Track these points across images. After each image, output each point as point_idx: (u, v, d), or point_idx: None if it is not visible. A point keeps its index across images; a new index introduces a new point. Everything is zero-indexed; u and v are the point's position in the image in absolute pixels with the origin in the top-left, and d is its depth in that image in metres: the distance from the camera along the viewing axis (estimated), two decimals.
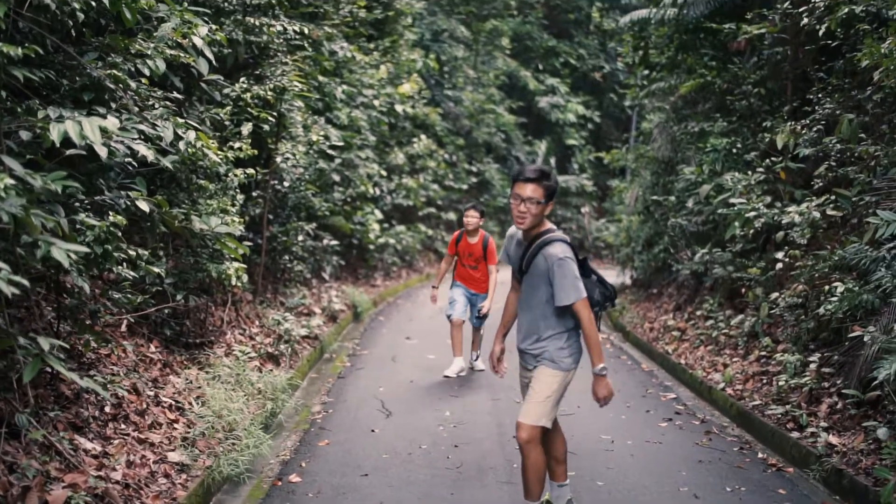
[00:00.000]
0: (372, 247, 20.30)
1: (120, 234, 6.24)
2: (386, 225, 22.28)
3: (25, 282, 4.17)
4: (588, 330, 5.53)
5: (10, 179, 4.44)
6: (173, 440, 6.78)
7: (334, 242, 16.19)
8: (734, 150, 13.05)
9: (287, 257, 13.36)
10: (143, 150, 6.06)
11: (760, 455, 7.95)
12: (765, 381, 9.71)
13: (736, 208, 11.07)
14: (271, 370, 9.64)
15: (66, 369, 4.96)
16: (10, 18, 5.42)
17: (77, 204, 6.37)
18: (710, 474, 7.28)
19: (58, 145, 4.94)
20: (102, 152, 5.27)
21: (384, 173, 20.76)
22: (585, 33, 43.50)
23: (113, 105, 6.63)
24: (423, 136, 25.34)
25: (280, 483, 6.76)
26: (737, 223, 11.08)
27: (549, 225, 5.69)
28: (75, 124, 4.90)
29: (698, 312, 13.61)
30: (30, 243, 5.04)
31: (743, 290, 12.03)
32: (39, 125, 5.11)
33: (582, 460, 7.53)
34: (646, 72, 19.27)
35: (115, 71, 6.40)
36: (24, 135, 5.20)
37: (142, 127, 6.22)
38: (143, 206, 6.72)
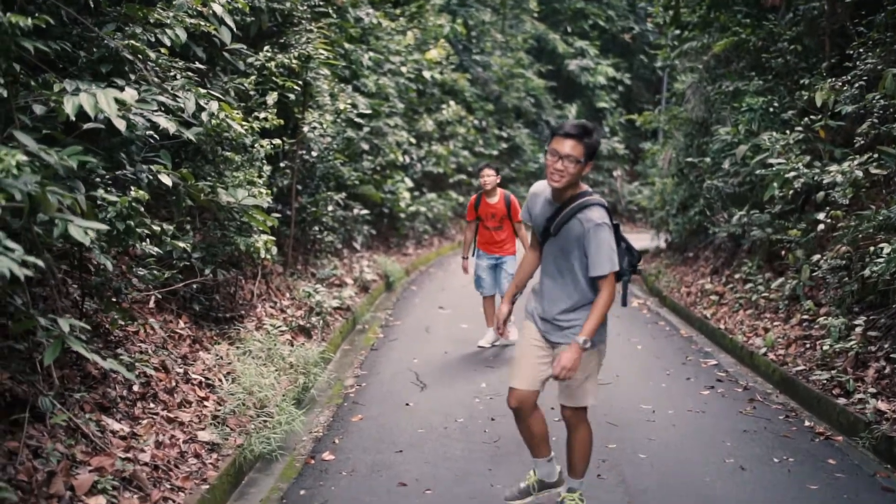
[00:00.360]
0: (403, 215, 20.11)
1: (143, 209, 6.06)
2: (416, 193, 22.08)
3: (40, 262, 4.00)
4: (604, 304, 5.13)
5: (22, 156, 4.25)
6: (203, 419, 6.63)
7: (364, 212, 16.01)
8: (771, 110, 12.71)
9: (317, 228, 13.20)
10: (164, 122, 5.87)
11: (807, 423, 7.72)
12: (808, 345, 9.47)
13: (774, 169, 10.77)
14: (303, 343, 9.50)
15: (89, 350, 4.82)
16: None
17: (98, 179, 6.20)
18: (755, 444, 7.06)
19: (72, 119, 4.76)
20: (120, 125, 5.09)
21: (413, 141, 20.53)
22: None
23: (132, 77, 6.44)
24: (451, 103, 25.06)
25: (313, 461, 6.60)
26: (775, 184, 10.79)
27: (585, 187, 5.24)
28: (90, 97, 4.72)
29: (736, 276, 13.34)
30: (46, 221, 4.88)
31: (783, 252, 11.76)
32: (53, 99, 4.92)
33: (623, 431, 7.33)
34: (677, 31, 18.89)
35: (133, 41, 6.20)
36: (38, 109, 5.02)
37: (162, 98, 6.03)
38: (166, 180, 6.55)
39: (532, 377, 5.41)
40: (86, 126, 5.47)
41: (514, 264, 10.66)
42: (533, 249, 5.62)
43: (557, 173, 5.02)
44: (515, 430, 7.36)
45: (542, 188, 5.35)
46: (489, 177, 10.65)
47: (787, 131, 11.49)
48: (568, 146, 4.98)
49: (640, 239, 24.98)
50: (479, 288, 11.00)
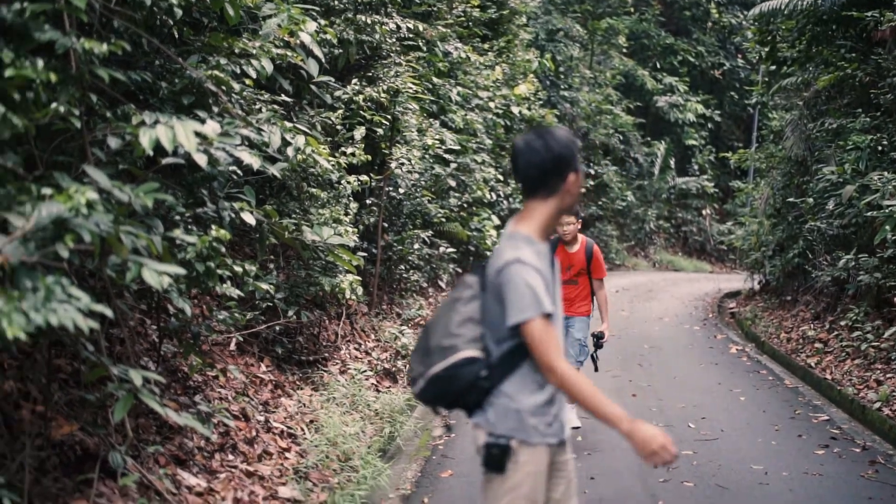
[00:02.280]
0: (489, 253, 19.67)
1: (224, 248, 5.71)
2: (503, 231, 21.65)
3: (108, 311, 3.64)
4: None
5: (93, 193, 3.91)
6: (284, 472, 6.24)
7: (450, 250, 15.63)
8: (879, 148, 12.07)
9: (403, 266, 12.85)
10: (247, 157, 5.51)
11: None
12: None
13: (886, 210, 10.13)
14: (389, 388, 9.10)
15: (162, 405, 4.44)
16: (99, 14, 4.92)
17: (178, 218, 5.87)
18: None
19: (149, 153, 4.42)
20: (201, 160, 4.74)
21: (501, 177, 20.15)
22: (703, 30, 42.20)
23: (215, 109, 6.12)
24: None
25: None
26: (887, 226, 10.13)
27: None
28: (168, 129, 4.37)
29: (842, 322, 12.65)
30: (119, 264, 4.54)
31: (894, 299, 11.07)
32: (129, 132, 4.59)
33: (735, 498, 6.76)
34: (773, 67, 18.29)
35: (216, 72, 5.88)
36: (114, 142, 4.69)
37: (246, 132, 5.67)
38: (249, 218, 6.19)
39: None
40: (165, 161, 5.14)
41: (585, 329, 8.73)
42: (563, 356, 3.70)
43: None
44: (618, 491, 6.88)
45: (532, 252, 3.71)
46: (570, 225, 8.53)
47: None
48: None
49: (732, 281, 24.26)
50: None
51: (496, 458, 3.67)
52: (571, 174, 3.72)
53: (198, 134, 4.62)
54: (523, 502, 3.69)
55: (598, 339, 8.56)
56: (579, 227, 8.68)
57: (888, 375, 9.94)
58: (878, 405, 9.19)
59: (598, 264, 8.71)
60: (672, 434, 8.44)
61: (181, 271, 4.35)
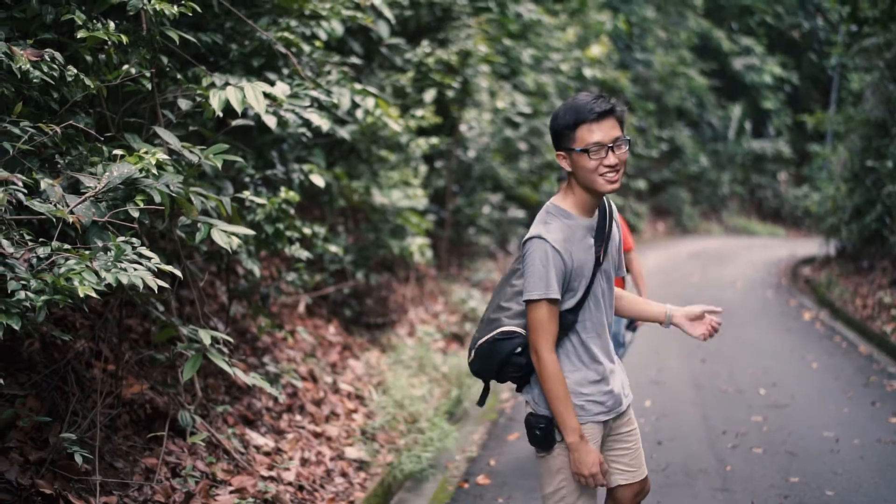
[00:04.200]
0: None
1: (293, 210, 5.73)
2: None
3: (177, 272, 3.67)
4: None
5: (163, 154, 3.94)
6: (351, 433, 6.28)
7: (520, 214, 15.57)
8: None
9: (472, 230, 12.82)
10: (317, 119, 5.52)
11: None
12: None
13: None
14: (456, 351, 9.10)
15: (231, 364, 4.49)
16: None
17: (247, 179, 5.91)
18: None
19: (219, 115, 4.44)
20: (270, 121, 4.76)
21: None
22: None
23: (285, 71, 6.13)
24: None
25: (467, 485, 6.15)
26: None
27: None
28: (237, 91, 4.39)
29: None
30: (189, 224, 4.58)
31: None
32: (199, 93, 4.61)
33: (804, 463, 6.65)
34: (854, 27, 17.84)
35: (286, 34, 5.87)
36: (184, 104, 4.72)
37: (315, 94, 5.67)
38: (318, 180, 6.21)
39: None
40: (234, 123, 5.17)
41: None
42: (553, 351, 3.55)
43: (612, 171, 3.52)
44: (685, 457, 6.82)
45: (564, 229, 3.58)
46: None
47: None
48: (608, 129, 3.51)
49: (808, 246, 23.88)
50: None
51: (538, 438, 3.64)
52: (571, 153, 3.52)
53: (267, 95, 4.63)
54: (572, 484, 3.63)
55: (631, 323, 7.18)
56: None
57: None
58: None
59: (626, 235, 6.65)
60: (742, 400, 8.34)
61: (250, 232, 4.38)
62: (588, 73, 21.00)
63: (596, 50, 22.14)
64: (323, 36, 6.43)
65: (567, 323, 3.60)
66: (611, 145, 3.46)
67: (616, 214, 3.80)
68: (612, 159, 3.46)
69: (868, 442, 7.22)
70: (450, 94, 10.05)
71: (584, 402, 3.61)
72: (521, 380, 3.70)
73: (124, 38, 4.15)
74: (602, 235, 3.66)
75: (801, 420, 7.83)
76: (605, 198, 3.68)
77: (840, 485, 6.23)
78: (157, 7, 4.21)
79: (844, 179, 18.57)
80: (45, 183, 3.52)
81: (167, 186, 3.92)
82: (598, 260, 3.63)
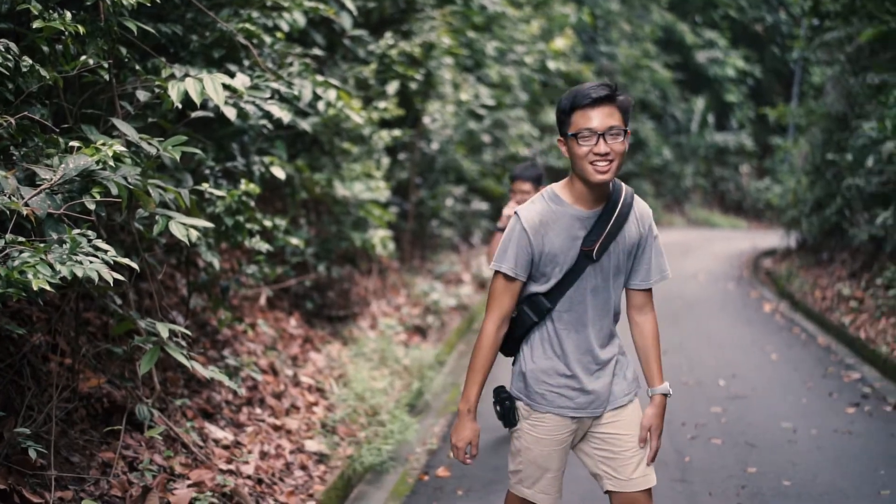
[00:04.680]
0: None
1: (254, 203, 5.71)
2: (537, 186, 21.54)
3: (134, 264, 3.65)
4: (657, 326, 3.84)
5: (120, 146, 3.91)
6: (312, 426, 6.26)
7: (484, 206, 15.58)
8: None
9: (435, 222, 12.82)
10: (277, 111, 5.49)
11: None
12: None
13: None
14: (418, 344, 9.10)
15: (189, 358, 4.46)
16: None
17: (208, 172, 5.87)
18: None
19: (178, 106, 4.41)
20: (230, 113, 4.74)
21: (536, 133, 20.03)
22: None
23: (246, 63, 6.09)
24: None
25: (427, 477, 6.15)
26: None
27: None
28: (196, 82, 4.36)
29: (878, 281, 12.47)
30: (147, 217, 4.55)
31: None
32: (158, 85, 4.58)
33: (762, 453, 6.71)
34: (816, 21, 17.98)
35: (247, 25, 5.83)
36: (142, 95, 4.68)
37: (276, 86, 5.64)
38: (279, 173, 6.19)
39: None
40: (194, 114, 5.13)
41: None
42: (500, 325, 3.63)
43: (603, 160, 3.41)
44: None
45: (545, 212, 3.57)
46: (522, 194, 6.77)
47: None
48: (603, 116, 3.41)
49: (769, 238, 24.06)
50: None
51: (500, 414, 3.76)
52: (567, 139, 3.49)
53: (227, 87, 4.60)
54: (531, 467, 3.74)
55: None
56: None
57: None
58: None
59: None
60: (702, 391, 8.40)
61: (209, 225, 4.36)
62: (552, 65, 21.05)
63: (560, 42, 22.18)
64: (285, 27, 6.40)
65: (541, 308, 3.62)
66: (602, 133, 3.38)
67: (639, 215, 3.68)
68: (602, 147, 3.38)
69: (825, 432, 7.31)
70: (413, 86, 10.03)
71: (546, 391, 3.64)
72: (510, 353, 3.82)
73: (81, 29, 4.11)
74: (600, 230, 3.54)
75: (760, 411, 7.90)
76: (624, 195, 3.62)
77: (797, 475, 6.31)
78: None
79: (805, 172, 18.73)
80: None
81: (124, 178, 3.89)
82: (591, 255, 3.54)
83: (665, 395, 3.76)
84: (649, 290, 3.77)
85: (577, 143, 3.41)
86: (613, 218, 3.55)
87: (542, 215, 3.54)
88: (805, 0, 17.68)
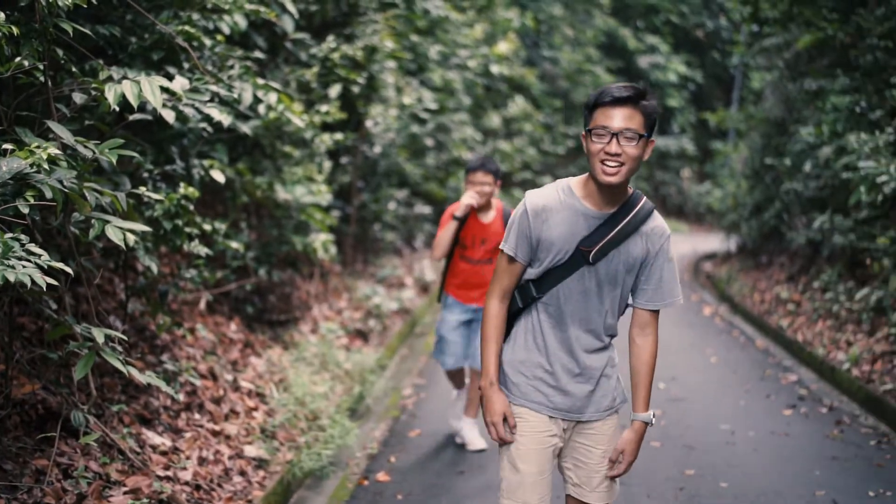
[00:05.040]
0: None
1: (193, 206, 5.66)
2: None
3: (68, 269, 3.60)
4: (655, 352, 3.72)
5: (55, 149, 3.86)
6: (251, 431, 6.22)
7: (427, 210, 15.59)
8: (857, 109, 12.02)
9: (377, 226, 12.80)
10: (217, 114, 5.45)
11: None
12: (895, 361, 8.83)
13: (862, 172, 10.11)
14: (360, 348, 9.08)
15: (125, 363, 4.41)
16: None
17: (146, 175, 5.81)
18: (847, 475, 6.46)
19: (116, 109, 4.36)
20: (168, 116, 4.69)
21: (479, 137, 20.07)
22: None
23: (186, 66, 6.04)
24: (519, 99, 24.56)
25: (367, 482, 6.14)
26: (862, 188, 10.12)
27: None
28: (134, 85, 4.31)
29: (815, 284, 12.68)
30: (82, 221, 4.49)
31: (867, 260, 11.10)
32: (95, 87, 4.52)
33: (701, 456, 6.79)
34: (755, 27, 18.20)
35: (187, 27, 5.78)
36: (79, 98, 4.62)
37: (216, 88, 5.60)
38: (218, 176, 6.13)
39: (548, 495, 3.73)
40: (132, 117, 5.08)
41: None
42: (502, 300, 3.67)
43: (613, 161, 3.37)
44: None
45: (552, 199, 3.57)
46: (485, 184, 6.53)
47: (877, 132, 10.81)
48: (622, 117, 3.37)
49: (709, 241, 24.32)
50: (439, 355, 6.84)
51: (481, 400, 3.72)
52: (586, 133, 3.45)
53: (165, 90, 4.57)
54: (509, 471, 3.66)
55: None
56: (497, 188, 6.63)
57: (858, 336, 9.98)
58: (847, 366, 9.21)
59: None
60: None
61: (146, 229, 4.32)
62: (495, 69, 21.12)
63: (503, 47, 22.26)
64: (226, 30, 6.36)
65: (528, 295, 3.63)
66: (617, 132, 3.33)
67: (651, 232, 3.57)
68: (613, 147, 3.33)
69: (762, 434, 7.42)
70: (355, 89, 10.00)
71: (522, 381, 3.64)
72: None
73: (16, 30, 4.05)
74: (603, 233, 3.49)
75: (699, 413, 8.00)
76: (640, 207, 3.55)
77: (734, 476, 6.39)
78: None
79: (745, 176, 18.99)
80: None
81: (60, 182, 3.84)
82: (588, 257, 3.49)
83: (646, 424, 3.66)
84: (655, 313, 3.68)
85: (592, 139, 3.40)
86: (621, 225, 3.50)
87: (548, 201, 3.54)
88: (744, 6, 17.87)
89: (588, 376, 3.64)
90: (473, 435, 6.84)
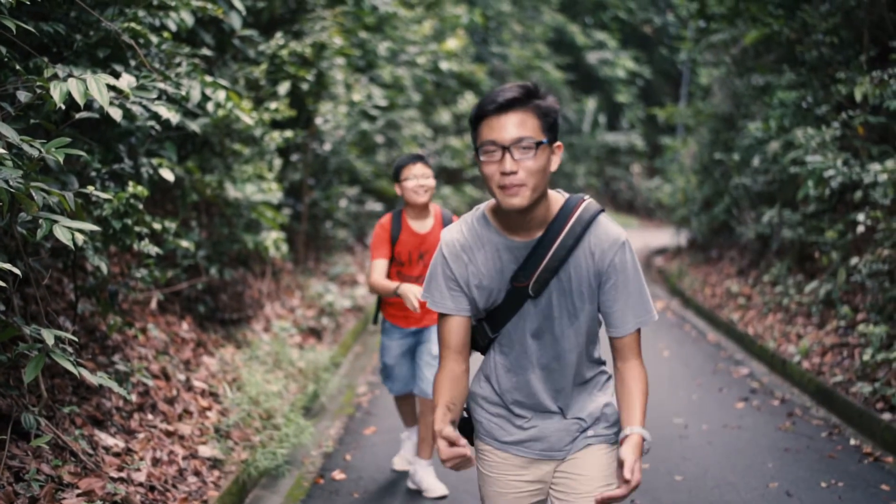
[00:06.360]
0: None
1: (142, 205, 5.60)
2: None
3: (16, 269, 3.55)
4: (646, 380, 3.11)
5: (1, 148, 3.81)
6: (205, 431, 6.17)
7: (378, 207, 15.55)
8: (804, 105, 12.17)
9: (329, 224, 12.75)
10: (165, 111, 5.41)
11: (853, 441, 7.16)
12: (845, 354, 8.94)
13: (809, 166, 10.23)
14: (313, 346, 9.04)
15: (76, 364, 4.35)
16: None
17: (94, 174, 5.74)
18: (799, 466, 6.55)
19: (62, 107, 4.30)
20: (115, 114, 4.64)
21: (429, 134, 20.05)
22: None
23: (133, 63, 5.97)
24: (468, 95, 24.58)
25: (322, 480, 6.14)
26: (810, 182, 10.25)
27: (560, 192, 3.09)
28: (80, 83, 4.25)
29: (765, 278, 12.82)
30: (30, 221, 4.43)
31: (815, 254, 11.24)
32: (40, 85, 4.46)
33: (655, 449, 6.83)
34: (702, 23, 18.35)
35: (133, 24, 5.72)
36: (23, 96, 4.55)
37: (164, 86, 5.55)
38: (167, 175, 6.08)
39: None
40: (79, 115, 5.01)
41: None
42: (456, 360, 3.09)
43: (508, 180, 2.78)
44: None
45: (470, 236, 3.02)
46: (424, 178, 5.70)
47: (823, 127, 10.94)
48: (512, 125, 2.77)
49: (660, 236, 24.49)
50: (385, 381, 6.25)
51: (460, 427, 3.26)
52: (475, 150, 2.89)
53: (112, 88, 4.51)
54: (491, 499, 3.26)
55: None
56: (432, 186, 5.75)
57: (808, 329, 10.10)
58: (797, 359, 9.32)
59: None
60: None
61: (95, 228, 4.26)
62: (444, 66, 21.10)
63: (452, 43, 22.25)
64: (172, 27, 6.29)
65: (483, 334, 3.14)
66: (508, 146, 2.75)
67: (595, 247, 2.96)
68: (507, 164, 2.74)
69: (715, 427, 7.50)
70: (305, 86, 9.96)
71: (482, 417, 3.23)
72: None
73: None
74: (535, 264, 2.93)
75: (652, 407, 7.97)
76: (572, 222, 2.95)
77: (688, 469, 6.45)
78: None
79: (694, 171, 19.16)
80: None
81: (5, 182, 3.79)
82: (527, 292, 2.96)
83: (644, 439, 2.93)
84: (630, 337, 3.04)
85: (481, 159, 2.83)
86: (553, 249, 2.91)
87: (465, 239, 3.00)
88: (691, 2, 18.04)
89: (560, 418, 3.15)
90: (430, 480, 5.96)
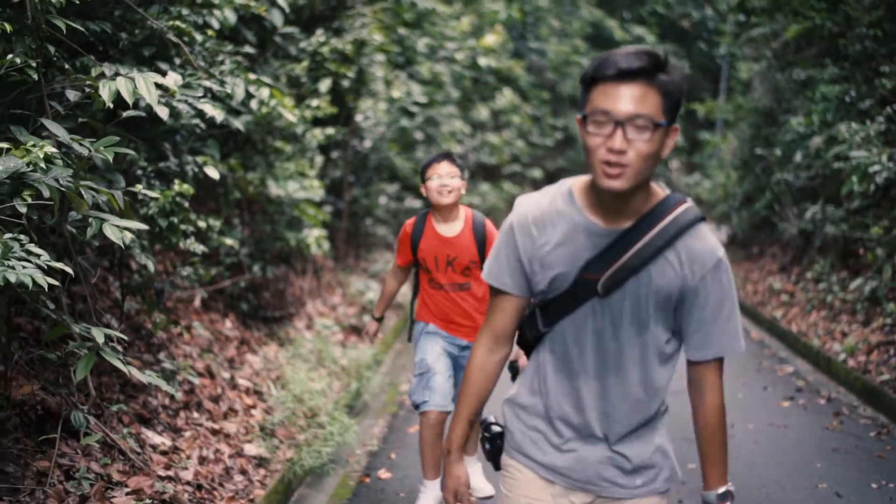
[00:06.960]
0: None
1: (187, 203, 5.60)
2: (470, 184, 21.56)
3: (69, 269, 3.55)
4: (724, 420, 2.83)
5: (52, 147, 3.81)
6: (250, 430, 6.17)
7: (417, 204, 15.53)
8: (847, 99, 12.02)
9: (369, 221, 12.75)
10: (210, 109, 5.41)
11: None
12: (892, 352, 8.82)
13: (854, 162, 10.10)
14: (355, 344, 9.03)
15: (125, 362, 4.35)
16: None
17: (140, 172, 5.75)
18: (848, 467, 6.46)
19: (110, 106, 4.30)
20: (162, 112, 4.63)
21: (467, 130, 20.01)
22: None
23: (177, 61, 5.98)
24: (506, 91, 24.51)
25: (368, 479, 6.11)
26: (854, 178, 10.11)
27: (662, 187, 2.66)
28: (128, 81, 4.25)
29: (808, 274, 12.69)
30: (80, 220, 4.44)
31: (860, 250, 11.10)
32: (89, 84, 4.47)
33: None
34: (742, 17, 18.19)
35: (178, 23, 5.72)
36: (72, 95, 4.56)
37: (208, 84, 5.55)
38: (213, 172, 6.09)
39: None
40: (125, 114, 5.02)
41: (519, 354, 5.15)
42: (492, 348, 2.80)
43: (615, 158, 2.38)
44: None
45: (547, 208, 2.64)
46: (453, 177, 5.07)
47: (867, 122, 10.80)
48: (630, 98, 2.37)
49: None
50: (420, 393, 5.09)
51: (488, 454, 2.91)
52: (582, 116, 2.48)
53: (159, 86, 4.51)
54: None
55: (513, 368, 4.88)
56: (463, 188, 5.15)
57: (853, 327, 9.98)
58: (842, 357, 9.21)
59: None
60: None
61: (143, 227, 4.27)
62: (483, 62, 21.07)
63: (490, 39, 22.22)
64: (215, 25, 6.30)
65: (533, 326, 2.74)
66: (623, 120, 2.35)
67: (689, 255, 2.57)
68: (617, 141, 2.35)
69: (761, 426, 7.41)
70: (345, 83, 9.95)
71: (518, 429, 2.81)
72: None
73: (8, 27, 4.00)
74: (613, 256, 2.54)
75: None
76: (670, 220, 2.55)
77: (735, 468, 6.35)
78: None
79: (734, 167, 18.99)
80: None
81: (56, 181, 3.79)
82: (596, 287, 2.56)
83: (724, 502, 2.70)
84: (711, 364, 2.74)
85: (588, 128, 2.42)
86: (638, 246, 2.53)
87: (540, 212, 2.63)
88: None
89: (610, 441, 2.74)
90: (476, 479, 5.48)
